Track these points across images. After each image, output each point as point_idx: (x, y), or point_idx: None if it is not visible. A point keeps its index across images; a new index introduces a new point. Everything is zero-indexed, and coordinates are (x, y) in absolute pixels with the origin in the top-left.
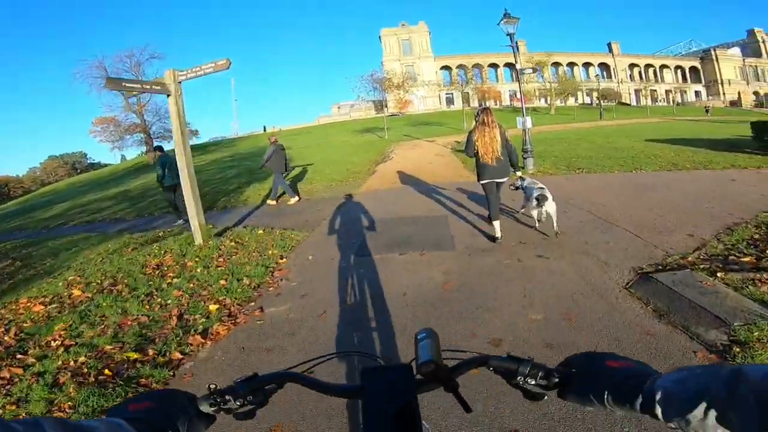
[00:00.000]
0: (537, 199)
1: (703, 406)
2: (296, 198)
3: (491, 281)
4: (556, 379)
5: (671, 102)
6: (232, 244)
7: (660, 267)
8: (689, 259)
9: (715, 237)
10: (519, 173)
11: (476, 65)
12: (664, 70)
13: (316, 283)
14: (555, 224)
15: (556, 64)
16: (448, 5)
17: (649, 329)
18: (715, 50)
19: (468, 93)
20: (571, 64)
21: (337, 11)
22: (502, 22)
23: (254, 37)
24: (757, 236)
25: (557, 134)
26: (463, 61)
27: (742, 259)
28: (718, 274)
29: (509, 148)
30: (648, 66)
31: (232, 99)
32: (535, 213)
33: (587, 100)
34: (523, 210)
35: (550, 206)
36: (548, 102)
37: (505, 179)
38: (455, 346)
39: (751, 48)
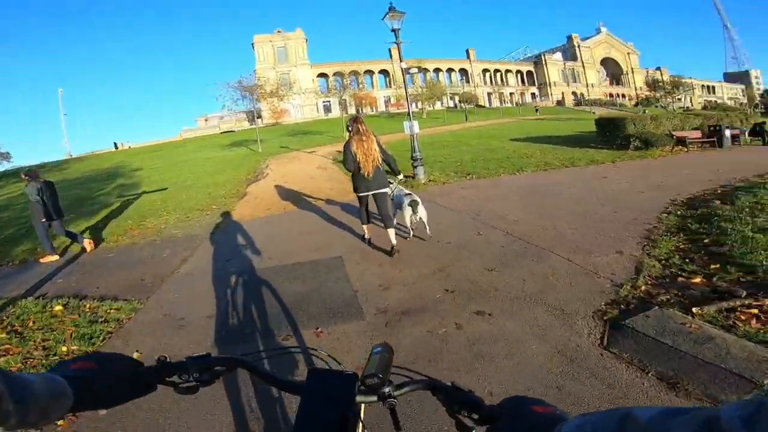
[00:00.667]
0: (410, 205)
1: None
2: (56, 257)
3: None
4: (486, 416)
5: (514, 103)
6: (3, 335)
7: (622, 307)
8: (642, 288)
9: (644, 252)
10: (401, 177)
11: (353, 72)
12: (508, 74)
13: (135, 420)
14: (427, 228)
15: (425, 70)
16: (325, 13)
17: None
18: (544, 55)
19: (345, 100)
20: (437, 70)
21: (207, 18)
22: (387, 17)
23: (94, 40)
24: (682, 246)
25: (435, 138)
26: (340, 69)
27: (693, 281)
28: (693, 310)
29: (386, 156)
30: (497, 71)
31: (60, 114)
32: (408, 220)
33: (451, 103)
34: (397, 220)
35: (422, 211)
36: (420, 106)
37: (386, 189)
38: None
39: (569, 52)
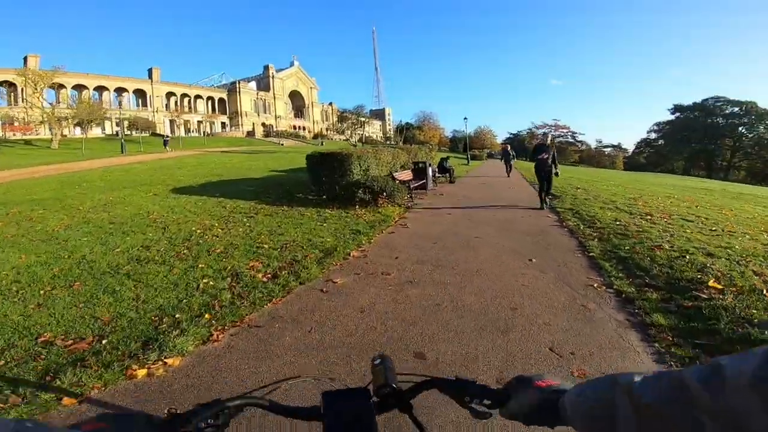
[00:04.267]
0: None
1: (598, 413)
2: None
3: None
4: (496, 399)
5: (202, 133)
6: None
7: None
8: None
9: None
10: None
11: None
12: (198, 101)
13: None
14: None
15: (81, 87)
16: None
17: None
18: (239, 83)
19: None
20: (101, 89)
21: None
22: None
23: None
24: None
25: (30, 188)
26: None
27: None
28: None
29: None
30: (184, 96)
31: None
32: None
33: (117, 130)
34: None
35: None
36: (53, 131)
37: None
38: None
39: (264, 82)
